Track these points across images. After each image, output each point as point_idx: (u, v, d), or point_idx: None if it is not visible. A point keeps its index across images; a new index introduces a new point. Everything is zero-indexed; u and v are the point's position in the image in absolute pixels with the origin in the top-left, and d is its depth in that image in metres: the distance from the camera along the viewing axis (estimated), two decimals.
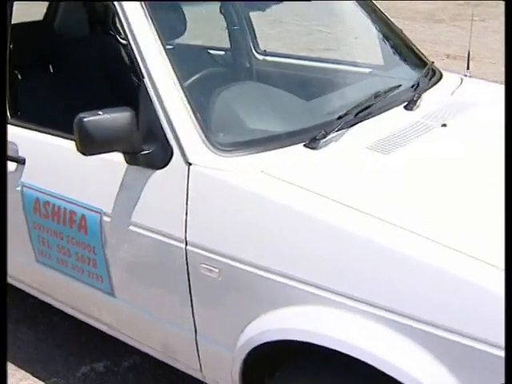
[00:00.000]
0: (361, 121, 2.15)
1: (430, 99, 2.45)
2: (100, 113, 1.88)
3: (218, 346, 1.99)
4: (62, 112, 1.92)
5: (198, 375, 2.19)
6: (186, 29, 2.73)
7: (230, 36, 3.27)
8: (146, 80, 1.98)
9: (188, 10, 2.85)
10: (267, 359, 1.93)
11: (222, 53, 3.32)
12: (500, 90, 2.83)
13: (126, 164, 2.01)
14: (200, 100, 2.04)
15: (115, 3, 2.07)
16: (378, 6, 2.91)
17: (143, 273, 2.11)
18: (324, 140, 1.99)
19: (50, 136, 2.27)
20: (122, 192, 2.05)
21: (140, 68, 2.00)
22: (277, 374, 1.90)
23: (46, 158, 2.30)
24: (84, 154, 1.90)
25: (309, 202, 1.74)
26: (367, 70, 2.90)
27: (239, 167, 1.88)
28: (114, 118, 1.88)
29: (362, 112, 2.16)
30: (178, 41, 2.72)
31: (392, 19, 2.90)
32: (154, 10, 2.13)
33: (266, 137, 2.00)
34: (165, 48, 2.02)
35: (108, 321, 2.38)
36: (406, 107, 2.32)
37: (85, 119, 1.84)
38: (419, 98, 2.35)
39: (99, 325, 2.45)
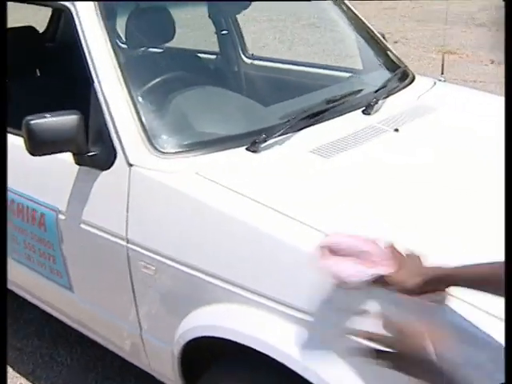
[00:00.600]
0: (310, 125, 2.18)
1: (393, 103, 2.47)
2: (47, 115, 1.96)
3: (160, 341, 2.05)
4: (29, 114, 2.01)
5: (149, 370, 2.26)
6: (174, 33, 2.80)
7: (218, 40, 3.34)
8: (96, 83, 2.06)
9: (178, 15, 2.94)
10: (207, 353, 1.98)
11: (213, 57, 3.40)
12: (472, 95, 2.83)
13: None
14: (147, 104, 2.11)
15: (68, 5, 2.17)
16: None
17: (94, 269, 2.19)
18: (265, 144, 2.03)
19: (16, 137, 2.37)
20: (73, 191, 2.13)
21: (90, 71, 2.08)
22: (213, 367, 1.95)
23: (12, 158, 2.40)
24: (32, 154, 1.99)
25: (231, 203, 1.79)
26: (346, 75, 2.93)
27: (176, 169, 1.94)
28: (60, 120, 1.96)
29: (312, 116, 2.20)
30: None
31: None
32: (115, 15, 2.23)
33: (208, 140, 2.06)
34: (116, 52, 2.10)
35: (71, 315, 2.47)
36: (363, 111, 2.35)
37: (31, 121, 1.93)
38: (377, 102, 2.37)
39: (65, 319, 2.54)
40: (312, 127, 2.19)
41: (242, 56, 3.33)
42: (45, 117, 1.95)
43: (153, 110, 2.12)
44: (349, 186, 1.92)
